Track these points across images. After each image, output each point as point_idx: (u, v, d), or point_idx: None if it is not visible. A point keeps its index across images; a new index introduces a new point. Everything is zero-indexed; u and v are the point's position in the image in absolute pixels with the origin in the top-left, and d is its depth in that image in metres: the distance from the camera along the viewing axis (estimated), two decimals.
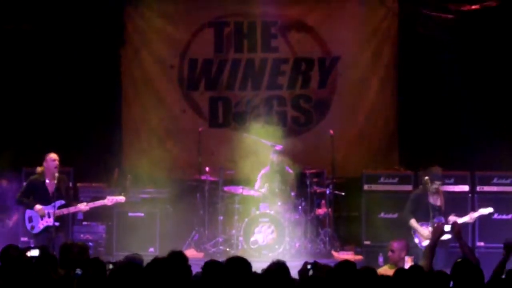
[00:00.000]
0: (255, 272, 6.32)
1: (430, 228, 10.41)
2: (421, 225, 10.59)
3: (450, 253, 10.09)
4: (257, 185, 12.26)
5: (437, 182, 10.68)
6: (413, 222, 10.67)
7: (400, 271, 6.47)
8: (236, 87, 14.06)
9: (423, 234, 10.52)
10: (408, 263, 9.12)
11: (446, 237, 10.20)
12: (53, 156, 10.67)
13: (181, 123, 13.97)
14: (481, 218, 11.81)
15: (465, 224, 11.17)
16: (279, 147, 12.29)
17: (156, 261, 6.51)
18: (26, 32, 13.43)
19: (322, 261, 7.47)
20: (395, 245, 9.51)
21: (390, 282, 6.25)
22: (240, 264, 6.37)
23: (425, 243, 10.29)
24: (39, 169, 10.74)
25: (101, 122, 13.55)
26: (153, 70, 14.04)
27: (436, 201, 10.70)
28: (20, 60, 13.48)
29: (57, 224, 10.49)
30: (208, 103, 14.09)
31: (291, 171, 12.39)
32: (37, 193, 10.68)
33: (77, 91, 13.56)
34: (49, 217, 10.52)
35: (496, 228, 11.89)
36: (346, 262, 6.42)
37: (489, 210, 10.59)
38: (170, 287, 6.16)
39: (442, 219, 10.55)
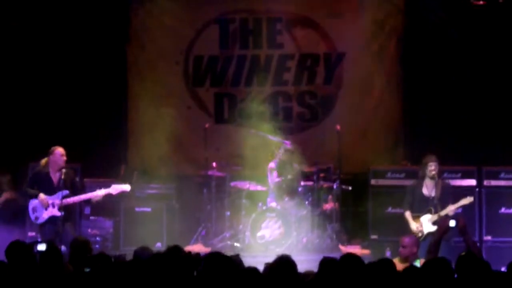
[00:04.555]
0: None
1: (421, 222, 10.44)
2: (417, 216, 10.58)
3: (453, 247, 10.07)
4: (269, 178, 12.20)
5: (431, 164, 10.62)
6: (407, 214, 10.70)
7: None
8: (241, 83, 14.08)
9: (412, 228, 10.51)
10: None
11: (432, 228, 10.30)
12: (61, 150, 10.60)
13: (187, 119, 13.97)
14: (488, 212, 11.91)
15: (471, 218, 11.24)
16: (288, 145, 12.26)
17: (155, 256, 6.56)
18: (33, 29, 13.46)
19: (329, 255, 7.46)
20: (407, 240, 9.39)
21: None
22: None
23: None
24: (43, 161, 10.70)
25: (107, 118, 13.59)
26: (158, 67, 14.06)
27: (431, 192, 10.61)
28: (27, 57, 13.51)
29: (60, 214, 10.34)
30: (214, 99, 14.11)
31: (297, 166, 12.39)
32: (41, 184, 10.61)
33: (84, 88, 13.60)
34: (53, 207, 10.48)
35: (503, 222, 11.91)
36: (350, 255, 6.43)
37: (470, 200, 10.48)
38: (172, 281, 6.19)
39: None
